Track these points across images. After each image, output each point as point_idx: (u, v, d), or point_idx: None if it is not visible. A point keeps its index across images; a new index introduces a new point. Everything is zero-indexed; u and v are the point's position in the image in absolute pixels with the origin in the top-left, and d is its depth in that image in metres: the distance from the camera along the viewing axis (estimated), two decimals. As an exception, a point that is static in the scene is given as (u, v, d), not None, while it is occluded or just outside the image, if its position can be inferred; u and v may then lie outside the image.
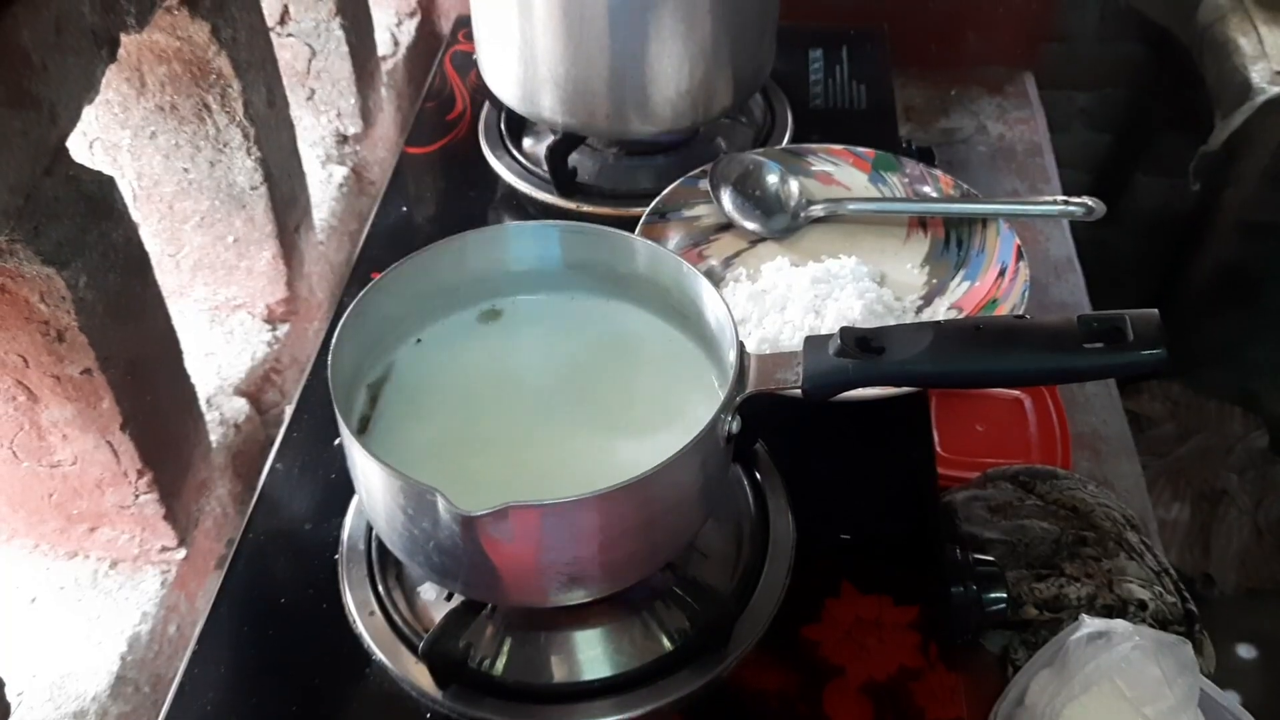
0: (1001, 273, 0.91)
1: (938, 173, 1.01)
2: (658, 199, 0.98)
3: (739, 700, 0.70)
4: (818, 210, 0.98)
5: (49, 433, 0.70)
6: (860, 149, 1.03)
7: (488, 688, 0.69)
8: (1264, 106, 1.48)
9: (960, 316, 0.89)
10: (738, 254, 0.97)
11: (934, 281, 0.93)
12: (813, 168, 1.03)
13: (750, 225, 0.97)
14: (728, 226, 0.98)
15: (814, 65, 1.23)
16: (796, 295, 0.88)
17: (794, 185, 0.99)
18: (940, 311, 0.90)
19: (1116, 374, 0.63)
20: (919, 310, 0.91)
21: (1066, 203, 0.96)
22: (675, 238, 0.96)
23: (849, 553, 0.77)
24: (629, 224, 0.91)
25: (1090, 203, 0.94)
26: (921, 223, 0.98)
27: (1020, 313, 0.87)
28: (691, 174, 1.00)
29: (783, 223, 0.98)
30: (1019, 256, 0.91)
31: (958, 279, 0.93)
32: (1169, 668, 0.73)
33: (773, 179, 0.99)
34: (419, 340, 0.73)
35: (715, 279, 0.94)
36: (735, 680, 0.70)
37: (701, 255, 0.96)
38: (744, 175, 0.99)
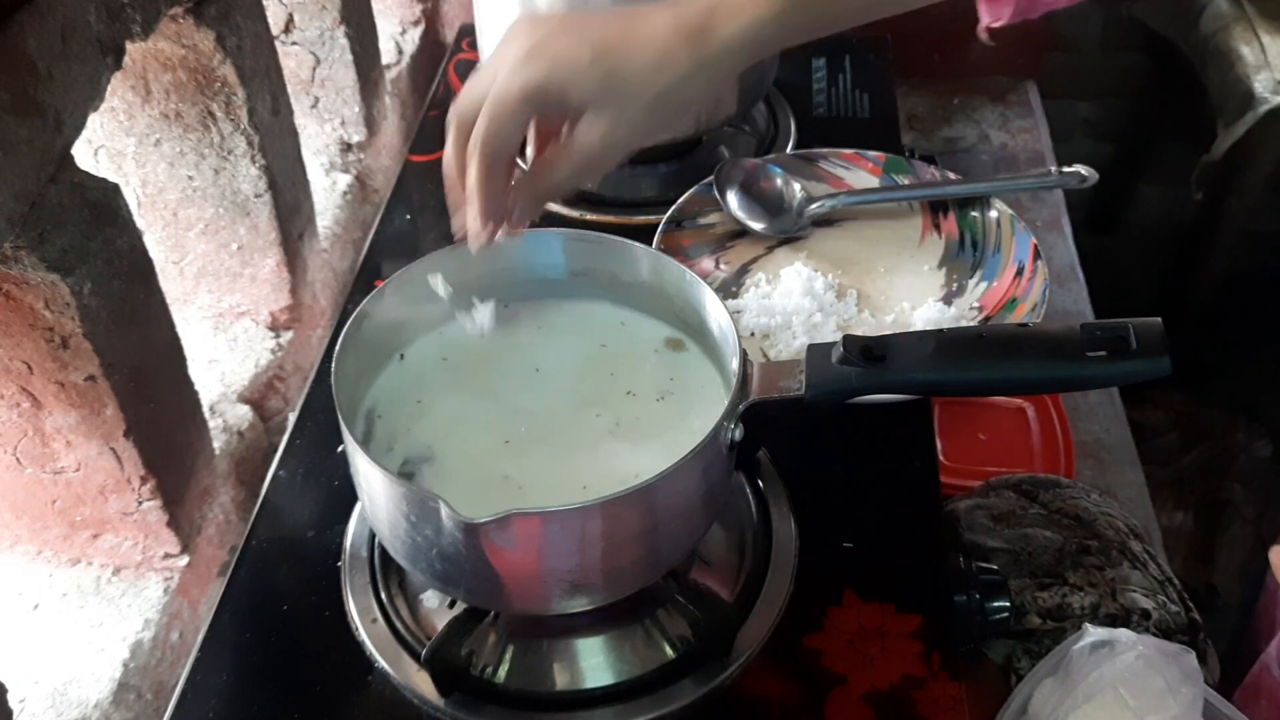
0: (1019, 272, 0.92)
1: (950, 174, 1.01)
2: (673, 208, 0.98)
3: (741, 709, 0.69)
4: (820, 207, 0.99)
5: (52, 439, 0.70)
6: (871, 153, 1.04)
7: (490, 695, 0.69)
8: (1266, 116, 1.48)
9: (982, 316, 0.90)
10: (755, 260, 0.97)
11: (953, 283, 0.94)
12: (825, 172, 1.03)
13: (757, 226, 0.98)
14: (742, 233, 0.99)
15: (817, 74, 1.23)
16: (819, 301, 0.89)
17: (796, 186, 1.00)
18: (963, 311, 0.91)
19: (1119, 382, 0.63)
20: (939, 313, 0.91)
21: (1061, 173, 1.00)
22: (692, 246, 0.97)
23: (852, 561, 0.77)
24: (632, 232, 0.91)
25: (1083, 171, 0.98)
26: (935, 225, 0.99)
27: (1042, 311, 0.87)
28: (704, 182, 1.00)
29: (788, 222, 0.99)
30: (1036, 255, 0.92)
31: (975, 279, 0.94)
32: (1173, 677, 0.73)
33: (776, 181, 1.00)
34: (402, 357, 0.74)
35: (732, 285, 0.95)
36: (738, 689, 0.70)
37: (719, 263, 0.97)
38: (748, 178, 1.00)
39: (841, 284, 0.93)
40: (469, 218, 0.65)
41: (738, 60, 0.66)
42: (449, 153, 0.65)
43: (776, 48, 0.69)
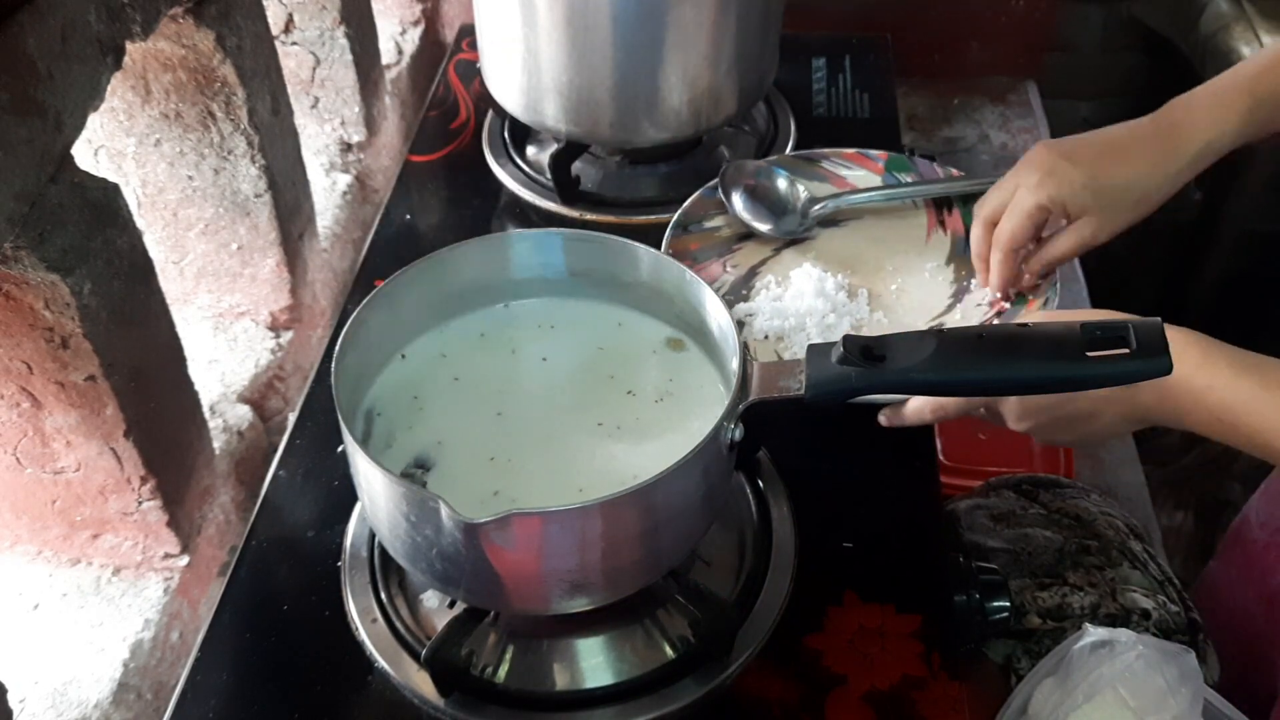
0: None
1: (952, 170, 1.01)
2: (679, 212, 0.98)
3: (741, 709, 0.69)
4: (824, 207, 0.99)
5: (52, 439, 0.70)
6: (873, 151, 1.04)
7: (490, 695, 0.69)
8: (1267, 116, 1.48)
9: (994, 311, 0.90)
10: (763, 262, 0.97)
11: (962, 278, 0.94)
12: (828, 172, 1.03)
13: (763, 228, 0.98)
14: (748, 236, 0.99)
15: (817, 74, 1.23)
16: (831, 302, 0.90)
17: (800, 187, 1.00)
18: (972, 309, 0.91)
19: (1119, 382, 0.63)
20: (949, 309, 0.92)
21: None
22: (699, 250, 0.97)
23: (852, 561, 0.77)
24: (632, 231, 0.91)
25: None
26: (940, 222, 0.99)
27: (1055, 304, 0.88)
28: (709, 185, 1.00)
29: (793, 222, 0.99)
30: None
31: None
32: (1172, 677, 0.73)
33: (781, 182, 1.01)
34: (404, 356, 0.74)
35: (742, 289, 0.95)
36: (738, 689, 0.70)
37: (726, 266, 0.97)
38: (752, 180, 1.01)
39: (851, 284, 0.93)
40: (991, 287, 0.91)
41: (1198, 165, 0.84)
42: (977, 238, 0.90)
43: (1228, 150, 0.85)
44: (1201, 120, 0.84)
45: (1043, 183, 0.84)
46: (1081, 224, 0.85)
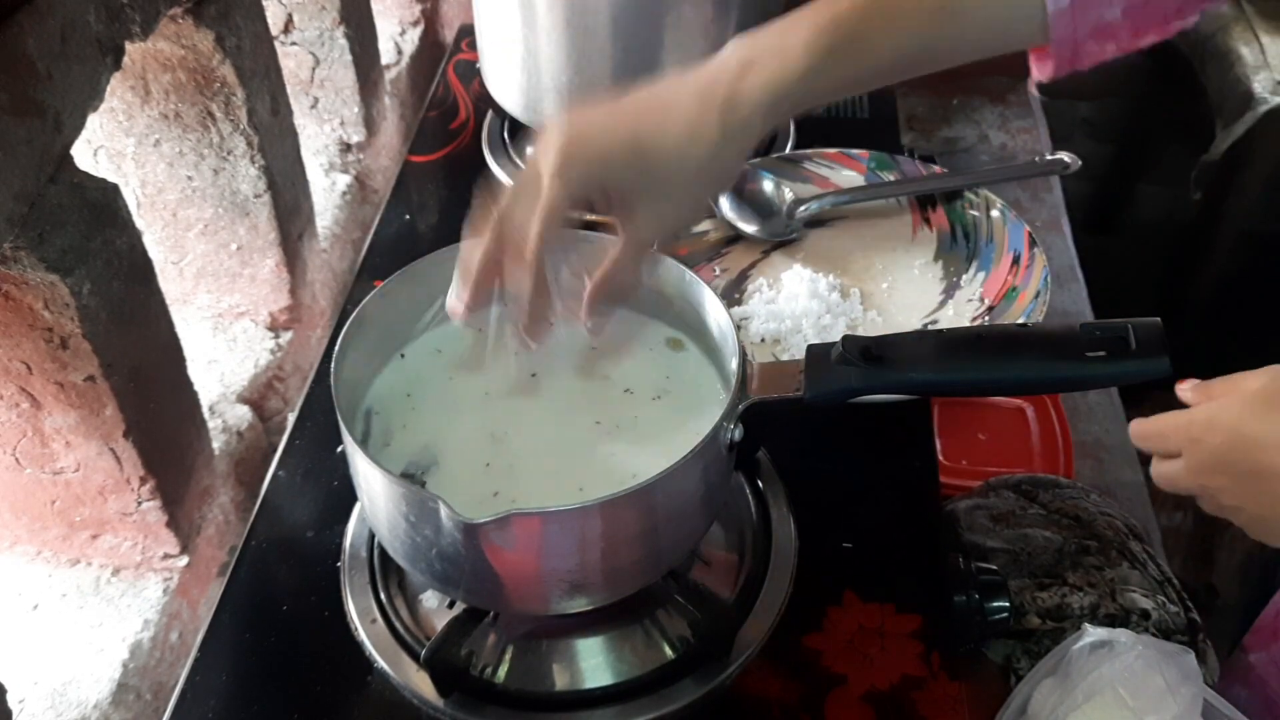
0: (1015, 260, 0.92)
1: (935, 167, 1.02)
2: None
3: (741, 709, 0.69)
4: (809, 208, 1.00)
5: (52, 439, 0.70)
6: (854, 150, 1.04)
7: (490, 696, 0.69)
8: (1266, 116, 1.48)
9: (985, 306, 0.90)
10: (753, 265, 0.98)
11: (951, 274, 0.95)
12: (811, 173, 1.03)
13: (750, 229, 0.98)
14: (736, 239, 0.99)
15: (816, 74, 1.23)
16: (825, 303, 0.90)
17: (786, 189, 1.01)
18: (964, 304, 0.91)
19: (1119, 383, 0.63)
20: (941, 305, 0.92)
21: (1044, 161, 1.04)
22: (689, 255, 0.97)
23: (851, 561, 0.77)
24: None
25: (1065, 158, 1.01)
26: (925, 219, 1.00)
27: (1046, 298, 0.88)
28: None
29: (780, 224, 0.99)
30: (1032, 244, 0.92)
31: (971, 270, 0.94)
32: (1172, 677, 0.72)
33: (766, 184, 1.01)
34: (402, 355, 0.74)
35: (734, 292, 0.95)
36: (737, 689, 0.70)
37: (717, 269, 0.97)
38: (738, 183, 1.01)
39: (843, 284, 0.93)
40: (521, 323, 0.65)
41: (766, 122, 0.64)
42: (487, 249, 0.63)
43: (803, 107, 0.66)
44: (760, 62, 0.64)
45: (570, 164, 0.61)
46: (640, 221, 0.64)
